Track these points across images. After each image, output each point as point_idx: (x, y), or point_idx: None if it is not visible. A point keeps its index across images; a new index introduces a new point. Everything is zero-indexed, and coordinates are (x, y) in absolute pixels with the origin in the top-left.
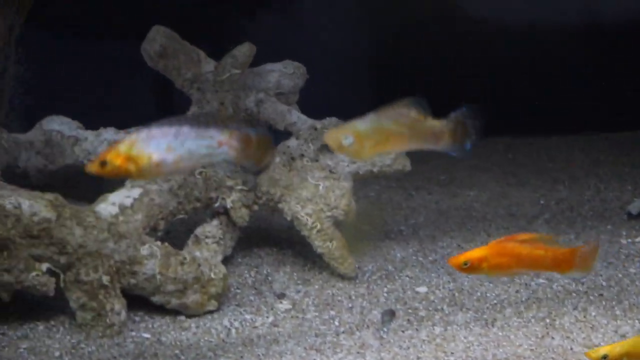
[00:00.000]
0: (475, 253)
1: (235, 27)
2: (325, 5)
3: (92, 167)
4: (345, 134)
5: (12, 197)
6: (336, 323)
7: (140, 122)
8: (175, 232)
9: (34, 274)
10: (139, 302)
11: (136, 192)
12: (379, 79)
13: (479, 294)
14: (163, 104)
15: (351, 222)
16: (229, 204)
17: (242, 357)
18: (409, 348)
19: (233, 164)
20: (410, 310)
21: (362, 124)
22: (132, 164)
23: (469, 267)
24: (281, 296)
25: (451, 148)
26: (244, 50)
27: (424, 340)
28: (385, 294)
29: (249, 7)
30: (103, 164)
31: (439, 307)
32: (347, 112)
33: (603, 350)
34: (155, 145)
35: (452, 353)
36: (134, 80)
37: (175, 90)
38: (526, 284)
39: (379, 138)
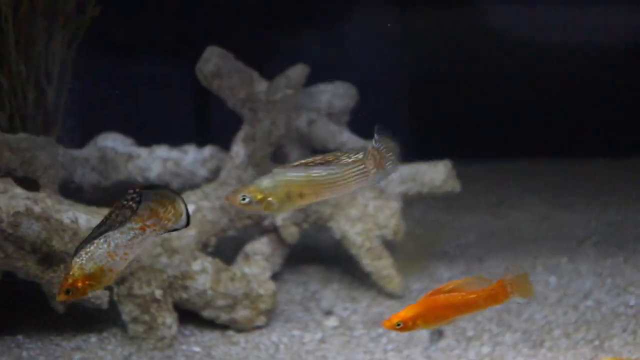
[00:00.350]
0: (408, 312)
1: (281, 48)
2: (368, 25)
3: (61, 298)
4: (242, 194)
5: (69, 211)
6: (384, 341)
7: (188, 140)
8: (222, 249)
9: None
10: (189, 316)
11: (189, 208)
12: (423, 99)
13: (526, 315)
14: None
15: (405, 242)
16: (279, 222)
17: None
18: None
19: (165, 233)
20: (458, 330)
21: (265, 182)
22: (93, 281)
23: (403, 327)
24: (329, 313)
25: (378, 179)
26: (298, 71)
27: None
28: None
29: (294, 28)
30: (68, 292)
31: (486, 328)
32: (394, 132)
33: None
34: (98, 257)
35: None
36: (182, 99)
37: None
38: (574, 306)
39: (286, 193)
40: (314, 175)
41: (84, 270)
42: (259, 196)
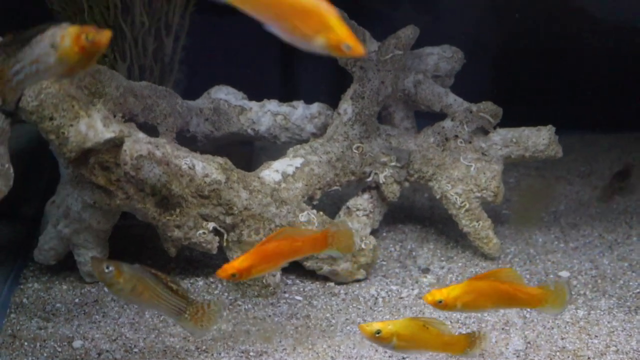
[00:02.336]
0: (241, 263)
1: (374, 14)
2: None
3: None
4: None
5: (187, 158)
6: None
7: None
8: (323, 204)
9: (201, 231)
10: (292, 266)
11: (298, 161)
12: (515, 69)
13: (621, 282)
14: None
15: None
16: (381, 179)
17: None
18: (552, 328)
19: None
20: None
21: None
22: None
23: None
24: (425, 271)
25: None
26: (408, 32)
27: (567, 322)
28: (527, 276)
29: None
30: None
31: (581, 292)
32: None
33: (377, 326)
34: None
35: (595, 336)
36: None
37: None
38: None
39: None
40: None
41: None
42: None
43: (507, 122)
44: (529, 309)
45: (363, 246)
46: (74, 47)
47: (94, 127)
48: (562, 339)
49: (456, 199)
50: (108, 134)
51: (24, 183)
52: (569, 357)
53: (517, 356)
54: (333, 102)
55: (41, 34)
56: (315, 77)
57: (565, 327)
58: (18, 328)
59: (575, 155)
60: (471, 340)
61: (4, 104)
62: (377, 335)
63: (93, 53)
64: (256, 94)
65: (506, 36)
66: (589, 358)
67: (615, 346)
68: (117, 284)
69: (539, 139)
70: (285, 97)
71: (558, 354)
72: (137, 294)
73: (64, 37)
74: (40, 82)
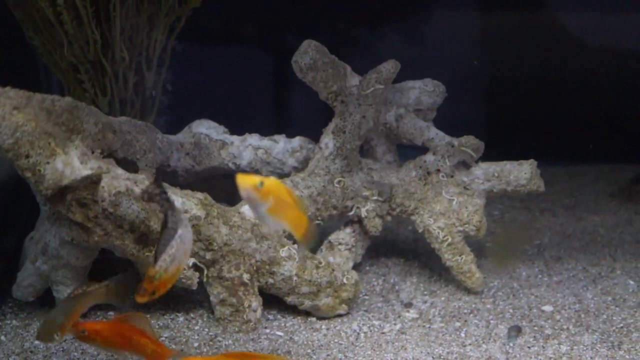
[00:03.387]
0: None
1: (362, 45)
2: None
3: (143, 299)
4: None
5: None
6: (462, 335)
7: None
8: None
9: None
10: (273, 301)
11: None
12: (501, 101)
13: (605, 316)
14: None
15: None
16: (363, 214)
17: None
18: None
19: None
20: (536, 328)
21: None
22: (172, 280)
23: None
24: (408, 305)
25: None
26: (389, 67)
27: (550, 358)
28: (510, 310)
29: (376, 26)
30: (153, 293)
31: (565, 327)
32: (477, 130)
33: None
34: (178, 258)
35: None
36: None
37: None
38: None
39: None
40: None
41: (167, 272)
42: None
43: (491, 153)
44: (511, 345)
45: (345, 281)
46: None
47: (71, 164)
48: None
49: (438, 233)
50: (85, 171)
51: (3, 217)
52: None
53: None
54: (317, 136)
55: None
56: (301, 110)
57: None
58: None
59: (561, 187)
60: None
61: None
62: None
63: None
64: (239, 127)
65: (490, 68)
66: None
67: None
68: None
69: (520, 173)
70: (269, 129)
71: None
72: None
73: None
74: (16, 120)
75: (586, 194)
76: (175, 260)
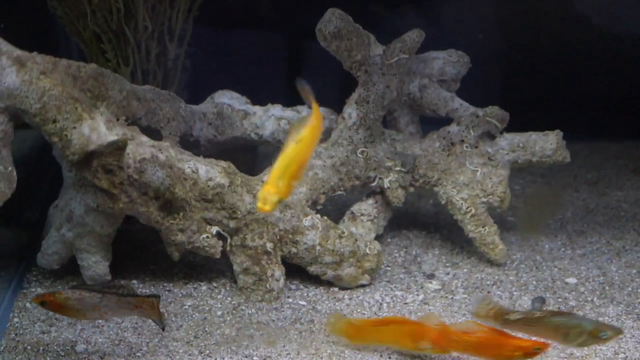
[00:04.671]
0: None
1: (380, 20)
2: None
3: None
4: None
5: (190, 161)
6: None
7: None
8: (326, 209)
9: (204, 235)
10: (296, 271)
11: None
12: (527, 76)
13: (629, 288)
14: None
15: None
16: (386, 184)
17: None
18: None
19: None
20: (560, 299)
21: None
22: None
23: None
24: (431, 276)
25: None
26: (413, 36)
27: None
28: (534, 282)
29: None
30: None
31: (589, 299)
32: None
33: None
34: None
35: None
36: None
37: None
38: None
39: None
40: None
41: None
42: None
43: (513, 129)
44: None
45: (367, 251)
46: None
47: (97, 129)
48: None
49: (462, 204)
50: (111, 137)
51: (27, 187)
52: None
53: None
54: (337, 108)
55: None
56: (320, 82)
57: None
58: (21, 332)
59: (582, 163)
60: None
61: None
62: None
63: None
64: (260, 99)
65: (515, 40)
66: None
67: (624, 353)
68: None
69: (546, 144)
70: (290, 102)
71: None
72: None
73: None
74: (43, 85)
75: (608, 170)
76: None
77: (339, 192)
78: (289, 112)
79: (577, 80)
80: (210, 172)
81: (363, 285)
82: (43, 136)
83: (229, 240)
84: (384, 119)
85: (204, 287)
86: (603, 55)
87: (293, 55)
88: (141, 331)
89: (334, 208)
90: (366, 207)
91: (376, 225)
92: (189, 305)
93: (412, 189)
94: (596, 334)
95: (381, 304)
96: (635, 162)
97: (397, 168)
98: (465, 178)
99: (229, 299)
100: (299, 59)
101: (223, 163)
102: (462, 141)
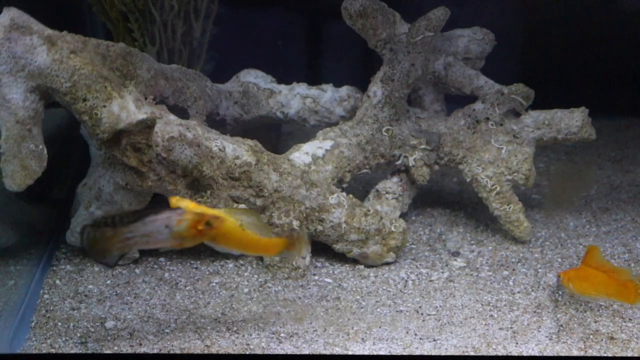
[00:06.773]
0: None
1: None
2: None
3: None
4: None
5: (218, 140)
6: (511, 283)
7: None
8: (350, 187)
9: None
10: (321, 249)
11: (328, 144)
12: (552, 53)
13: None
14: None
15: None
16: (411, 162)
17: (420, 307)
18: (585, 312)
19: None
20: None
21: None
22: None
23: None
24: (455, 254)
25: None
26: (439, 14)
27: (600, 306)
28: (559, 260)
29: None
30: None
31: None
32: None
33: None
34: None
35: (629, 319)
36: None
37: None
38: None
39: None
40: None
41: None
42: None
43: (537, 106)
44: (560, 293)
45: (393, 229)
46: (191, 230)
47: (127, 108)
48: (596, 322)
49: (487, 181)
50: (140, 115)
51: (55, 166)
52: (602, 339)
53: (550, 339)
54: (361, 86)
55: (155, 215)
56: (344, 61)
57: (599, 310)
58: (51, 309)
59: (606, 140)
60: (288, 242)
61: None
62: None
63: (207, 234)
64: (284, 78)
65: (540, 18)
66: (623, 341)
67: None
68: None
69: (572, 121)
70: (314, 81)
71: (592, 337)
72: None
73: (181, 222)
74: (73, 64)
75: (633, 147)
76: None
77: (364, 170)
78: (314, 91)
79: (602, 58)
80: (237, 150)
81: (388, 263)
82: (70, 115)
83: None
84: (409, 98)
85: (231, 265)
86: (629, 32)
87: (317, 34)
88: (169, 308)
89: (359, 186)
90: (391, 185)
91: (401, 203)
92: (216, 283)
93: (437, 167)
94: None
95: (406, 281)
96: None
97: (422, 146)
98: (490, 156)
99: (256, 276)
100: (322, 38)
101: (250, 141)
102: (487, 119)
